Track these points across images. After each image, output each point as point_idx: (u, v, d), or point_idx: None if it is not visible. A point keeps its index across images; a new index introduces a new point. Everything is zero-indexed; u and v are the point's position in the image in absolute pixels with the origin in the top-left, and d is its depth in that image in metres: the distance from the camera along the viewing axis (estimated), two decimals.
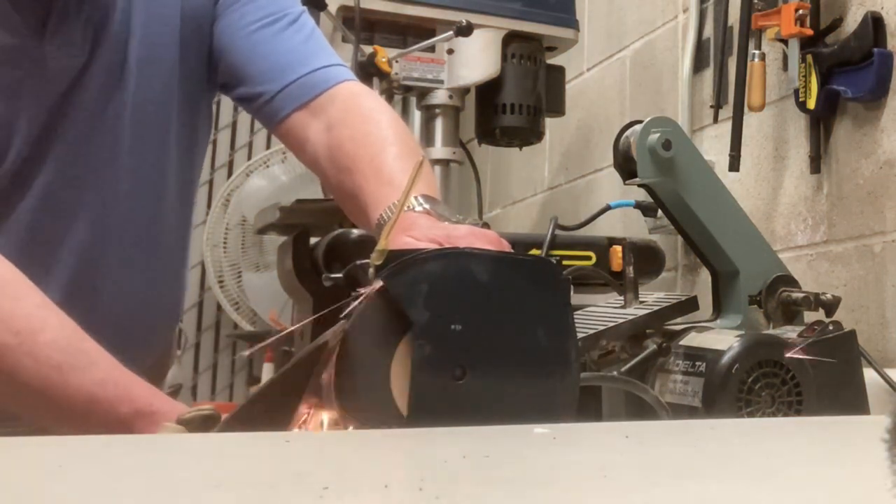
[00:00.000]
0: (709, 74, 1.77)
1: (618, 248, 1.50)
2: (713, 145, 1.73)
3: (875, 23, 1.36)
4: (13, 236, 0.91)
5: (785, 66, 1.51)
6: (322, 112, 0.99)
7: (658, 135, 0.98)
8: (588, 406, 0.90)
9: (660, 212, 1.09)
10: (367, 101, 1.01)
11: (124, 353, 0.76)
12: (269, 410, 0.66)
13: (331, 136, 0.98)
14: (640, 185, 1.02)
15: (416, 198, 0.84)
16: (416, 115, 1.93)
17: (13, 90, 0.91)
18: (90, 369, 0.74)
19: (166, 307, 1.08)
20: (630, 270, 1.02)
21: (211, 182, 3.07)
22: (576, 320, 0.72)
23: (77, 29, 0.93)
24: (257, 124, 3.05)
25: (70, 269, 0.95)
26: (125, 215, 0.99)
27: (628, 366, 0.91)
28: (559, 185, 2.38)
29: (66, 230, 0.95)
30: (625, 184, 1.04)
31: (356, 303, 0.65)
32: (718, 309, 1.03)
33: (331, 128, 0.98)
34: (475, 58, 1.82)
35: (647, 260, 1.57)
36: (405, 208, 0.81)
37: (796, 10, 1.42)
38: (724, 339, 0.90)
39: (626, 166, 1.03)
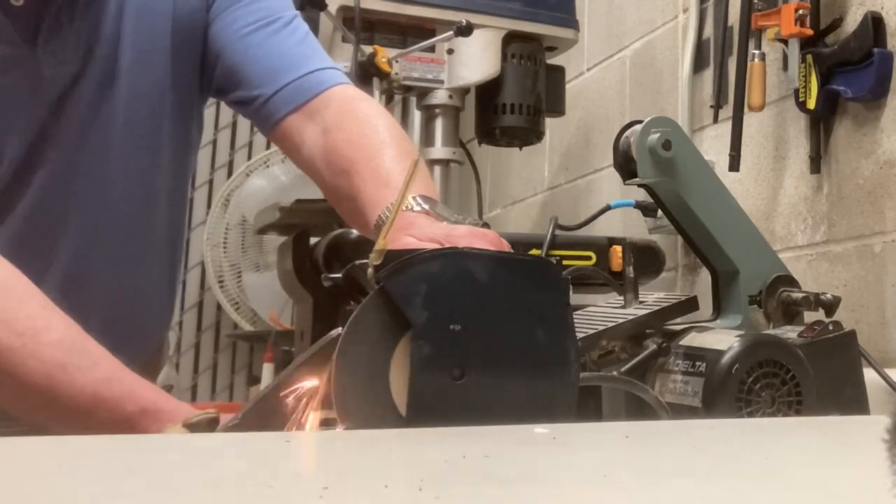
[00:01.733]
0: (709, 74, 1.77)
1: (618, 248, 1.50)
2: (713, 145, 1.73)
3: (875, 23, 1.36)
4: (6, 240, 0.92)
5: (785, 66, 1.51)
6: (317, 115, 1.00)
7: (658, 135, 0.98)
8: (588, 406, 0.90)
9: (660, 212, 1.09)
10: (363, 105, 1.01)
11: (113, 353, 0.76)
12: (274, 412, 0.67)
13: (327, 140, 0.98)
14: (640, 185, 1.02)
15: (414, 198, 0.83)
16: (416, 116, 1.93)
17: (6, 98, 0.92)
18: (94, 369, 0.74)
19: (157, 308, 1.09)
20: (630, 270, 1.02)
21: (211, 182, 3.07)
22: (576, 320, 0.72)
23: (70, 37, 0.94)
24: None
25: (62, 272, 0.96)
26: (117, 220, 1.00)
27: (628, 366, 0.91)
28: (559, 185, 2.38)
29: (58, 235, 0.96)
30: (625, 184, 1.04)
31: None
32: (718, 309, 1.03)
33: (327, 131, 0.98)
34: (475, 58, 1.82)
35: (647, 260, 1.57)
36: (403, 209, 0.81)
37: (796, 10, 1.42)
38: (724, 339, 0.90)
39: (626, 166, 1.02)
